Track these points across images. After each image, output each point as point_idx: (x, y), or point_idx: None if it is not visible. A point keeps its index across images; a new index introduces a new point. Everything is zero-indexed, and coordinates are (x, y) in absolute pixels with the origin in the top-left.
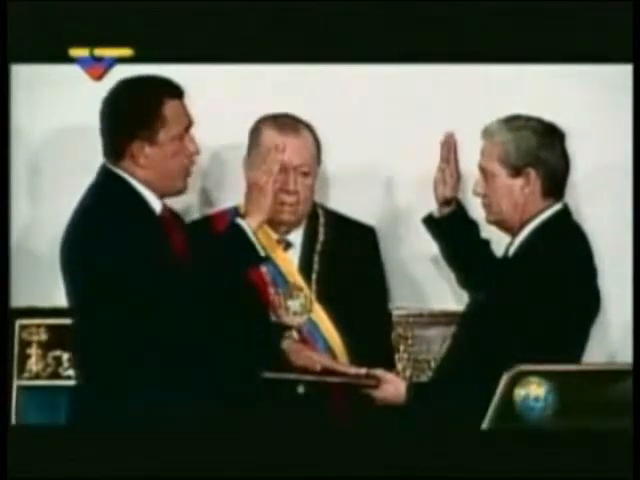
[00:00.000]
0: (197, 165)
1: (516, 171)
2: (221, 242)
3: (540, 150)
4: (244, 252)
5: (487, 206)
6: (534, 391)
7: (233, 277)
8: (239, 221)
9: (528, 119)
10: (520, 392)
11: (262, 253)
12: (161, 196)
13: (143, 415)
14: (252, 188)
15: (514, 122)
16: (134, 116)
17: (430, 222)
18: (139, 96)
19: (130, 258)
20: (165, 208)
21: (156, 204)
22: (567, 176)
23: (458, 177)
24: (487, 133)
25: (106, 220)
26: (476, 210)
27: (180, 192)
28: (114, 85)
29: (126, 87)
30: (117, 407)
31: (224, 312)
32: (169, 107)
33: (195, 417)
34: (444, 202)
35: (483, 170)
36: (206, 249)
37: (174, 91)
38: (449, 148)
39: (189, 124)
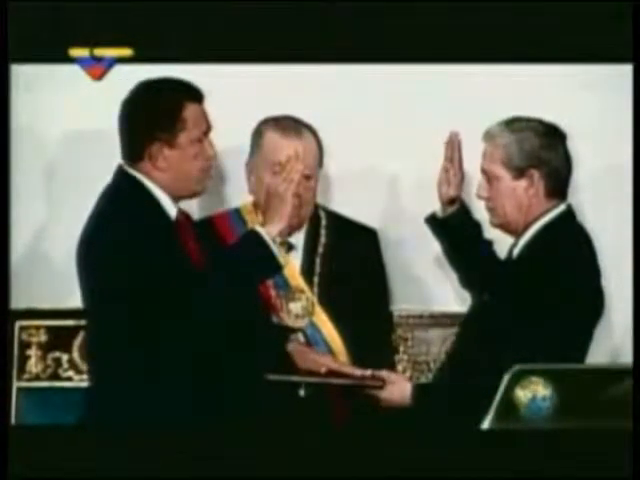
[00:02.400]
0: None
1: (519, 173)
2: (240, 250)
3: (543, 151)
4: (263, 261)
5: (491, 209)
6: (542, 391)
7: (250, 285)
8: (258, 229)
9: (529, 120)
10: (527, 393)
11: (282, 262)
12: (177, 199)
13: (147, 416)
14: (272, 196)
15: (515, 124)
16: (154, 117)
17: (433, 222)
18: (160, 98)
19: (145, 262)
20: (180, 212)
21: (171, 209)
22: (570, 176)
23: (462, 177)
24: (489, 136)
25: (122, 223)
26: (479, 210)
27: (196, 195)
28: (134, 87)
29: (147, 89)
30: (126, 407)
31: (232, 316)
32: (189, 110)
33: (199, 420)
34: (448, 202)
35: (486, 173)
36: (224, 256)
37: (195, 95)
38: (453, 147)
39: (208, 128)
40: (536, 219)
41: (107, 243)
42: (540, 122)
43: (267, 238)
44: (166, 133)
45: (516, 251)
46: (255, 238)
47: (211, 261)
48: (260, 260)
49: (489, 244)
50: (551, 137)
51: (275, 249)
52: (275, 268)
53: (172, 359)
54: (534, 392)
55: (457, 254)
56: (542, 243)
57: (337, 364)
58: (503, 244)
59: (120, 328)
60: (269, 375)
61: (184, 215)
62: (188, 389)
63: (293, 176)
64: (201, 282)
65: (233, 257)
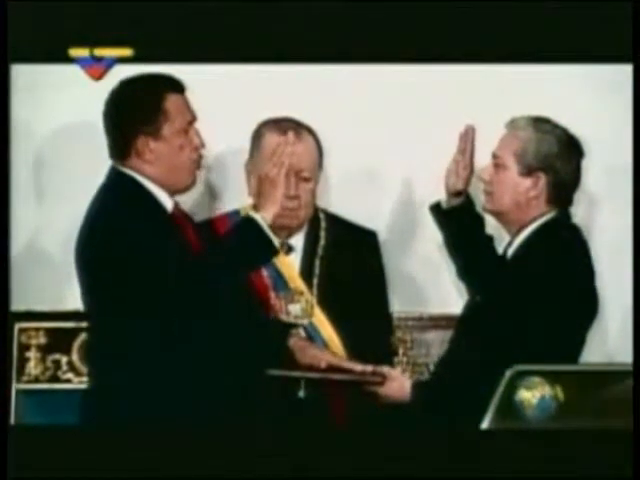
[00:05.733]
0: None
1: (527, 171)
2: (236, 236)
3: (557, 159)
4: (260, 245)
5: (488, 194)
6: (548, 392)
7: (248, 271)
8: (253, 215)
9: (556, 126)
10: (535, 394)
11: (277, 245)
12: (171, 193)
13: (148, 417)
14: (263, 181)
15: (542, 124)
16: (136, 112)
17: (437, 211)
18: (140, 92)
19: (145, 257)
20: (176, 206)
21: (167, 202)
22: (575, 191)
23: (471, 170)
24: (512, 125)
25: (119, 221)
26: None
27: (189, 187)
28: (115, 85)
29: (126, 85)
30: (126, 406)
31: (232, 310)
32: (171, 101)
33: (200, 418)
34: (454, 193)
35: (496, 158)
36: (221, 245)
37: (175, 86)
38: (467, 140)
39: (193, 118)
40: (532, 220)
41: (106, 240)
42: (565, 132)
43: (262, 223)
44: (149, 126)
45: (511, 251)
46: (250, 224)
47: (208, 251)
48: (256, 245)
49: (490, 239)
50: (570, 149)
51: (270, 233)
52: (271, 252)
53: (172, 356)
54: (542, 393)
55: (457, 245)
56: (537, 244)
57: (337, 360)
58: (503, 242)
59: (121, 326)
60: (269, 370)
61: (180, 209)
62: (188, 387)
63: (283, 159)
64: (200, 273)
65: (229, 244)
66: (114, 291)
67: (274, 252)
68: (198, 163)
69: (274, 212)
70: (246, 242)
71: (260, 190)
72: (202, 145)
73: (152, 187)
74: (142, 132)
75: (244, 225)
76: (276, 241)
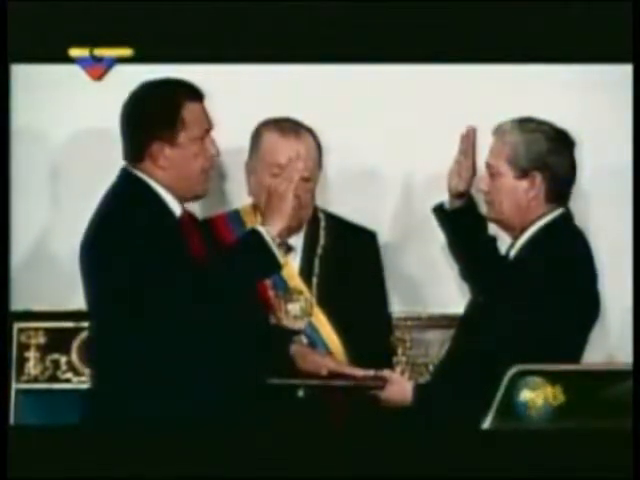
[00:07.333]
0: None
1: (523, 173)
2: (240, 249)
3: (549, 155)
4: (263, 260)
5: (489, 204)
6: (551, 392)
7: (250, 284)
8: (259, 228)
9: (541, 123)
10: (539, 395)
11: (281, 262)
12: (181, 200)
13: (149, 417)
14: (272, 195)
15: (527, 124)
16: (154, 117)
17: (440, 212)
18: (159, 98)
19: (150, 261)
20: (185, 211)
21: (176, 207)
22: (572, 184)
23: (474, 172)
24: (499, 131)
25: (126, 223)
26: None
27: (199, 196)
28: (135, 87)
29: (146, 89)
30: (127, 408)
31: (233, 316)
32: (189, 110)
33: (199, 420)
34: (456, 195)
35: (490, 167)
36: (225, 256)
37: (195, 94)
38: (468, 142)
39: (209, 127)
40: (534, 221)
41: (113, 243)
42: (551, 126)
43: (267, 237)
44: (166, 132)
45: (513, 252)
46: (255, 237)
47: (212, 261)
48: (260, 259)
49: (493, 240)
50: (560, 143)
51: (275, 248)
52: (275, 267)
53: (172, 357)
54: (545, 394)
55: (460, 246)
56: (539, 245)
57: (338, 365)
58: (506, 242)
59: (124, 328)
60: (271, 378)
61: (188, 214)
62: (188, 388)
63: (294, 175)
64: (203, 282)
65: (233, 256)
66: (117, 291)
67: (278, 267)
68: (209, 173)
69: (281, 227)
70: (250, 255)
71: (268, 203)
72: (217, 154)
73: (162, 192)
74: (158, 138)
75: (249, 238)
76: (280, 256)
